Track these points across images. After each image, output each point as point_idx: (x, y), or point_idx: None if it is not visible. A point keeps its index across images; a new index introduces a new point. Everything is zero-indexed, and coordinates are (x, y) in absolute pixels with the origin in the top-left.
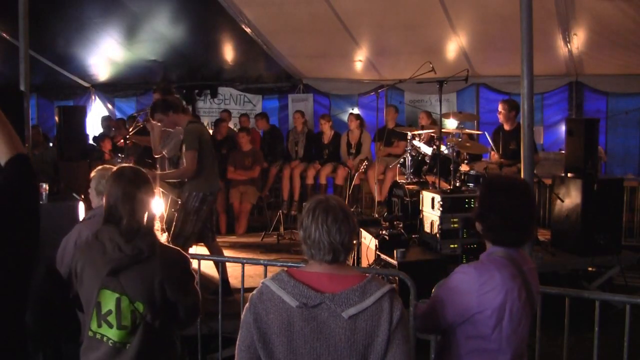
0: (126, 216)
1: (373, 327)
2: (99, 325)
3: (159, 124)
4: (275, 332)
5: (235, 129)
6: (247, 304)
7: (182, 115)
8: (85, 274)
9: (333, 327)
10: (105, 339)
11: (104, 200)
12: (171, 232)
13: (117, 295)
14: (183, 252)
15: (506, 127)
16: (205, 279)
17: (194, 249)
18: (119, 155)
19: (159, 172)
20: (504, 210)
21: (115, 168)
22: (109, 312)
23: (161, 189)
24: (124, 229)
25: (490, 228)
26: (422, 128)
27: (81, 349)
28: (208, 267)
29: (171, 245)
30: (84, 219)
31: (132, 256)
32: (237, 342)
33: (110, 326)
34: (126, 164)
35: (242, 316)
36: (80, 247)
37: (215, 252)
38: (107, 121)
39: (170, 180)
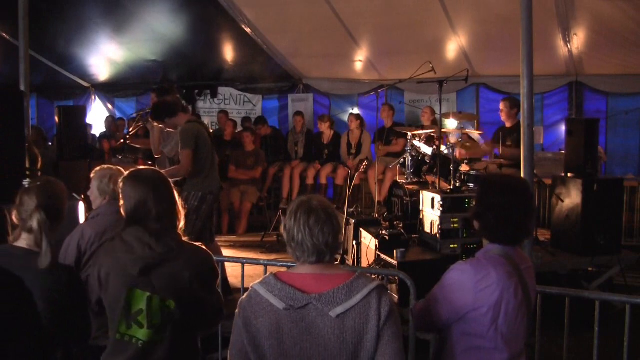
0: (155, 216)
1: (362, 324)
2: (128, 327)
3: (162, 126)
4: (265, 335)
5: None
6: (237, 309)
7: (182, 115)
8: (112, 277)
9: (322, 327)
10: (134, 340)
11: (121, 202)
12: None
13: (147, 294)
14: (207, 249)
15: (507, 124)
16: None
17: None
18: (117, 156)
19: None
20: (500, 208)
21: (130, 169)
22: (139, 311)
23: None
24: (153, 228)
25: (487, 226)
26: (423, 127)
27: (104, 355)
28: None
29: (195, 243)
30: (87, 219)
31: (163, 253)
32: (229, 347)
33: (141, 326)
34: (144, 166)
35: (234, 321)
36: (104, 252)
37: (213, 253)
38: (108, 122)
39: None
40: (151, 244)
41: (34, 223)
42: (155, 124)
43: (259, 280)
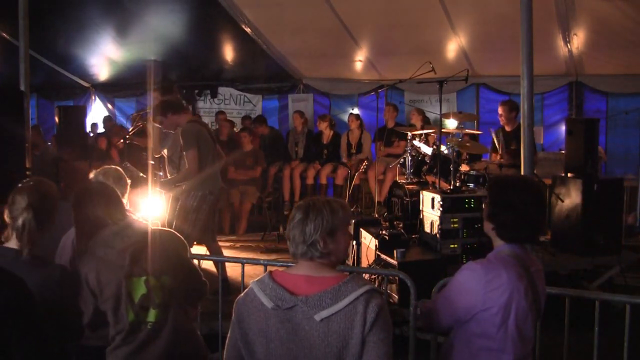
0: (118, 216)
1: (346, 329)
2: (136, 315)
3: (159, 125)
4: (255, 332)
5: (235, 129)
6: (234, 305)
7: (183, 116)
8: (104, 278)
9: (307, 329)
10: (143, 325)
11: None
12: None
13: (143, 277)
14: (210, 249)
15: (507, 128)
16: (205, 278)
17: (194, 249)
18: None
19: (163, 178)
20: (519, 207)
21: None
22: (142, 296)
23: (159, 190)
24: (121, 224)
25: (504, 226)
26: (422, 127)
27: (109, 349)
28: (207, 267)
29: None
30: None
31: (142, 239)
32: (226, 342)
33: (147, 309)
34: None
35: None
36: (83, 263)
37: (215, 253)
38: (107, 122)
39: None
40: (128, 234)
41: (20, 221)
42: (153, 121)
43: (257, 278)
